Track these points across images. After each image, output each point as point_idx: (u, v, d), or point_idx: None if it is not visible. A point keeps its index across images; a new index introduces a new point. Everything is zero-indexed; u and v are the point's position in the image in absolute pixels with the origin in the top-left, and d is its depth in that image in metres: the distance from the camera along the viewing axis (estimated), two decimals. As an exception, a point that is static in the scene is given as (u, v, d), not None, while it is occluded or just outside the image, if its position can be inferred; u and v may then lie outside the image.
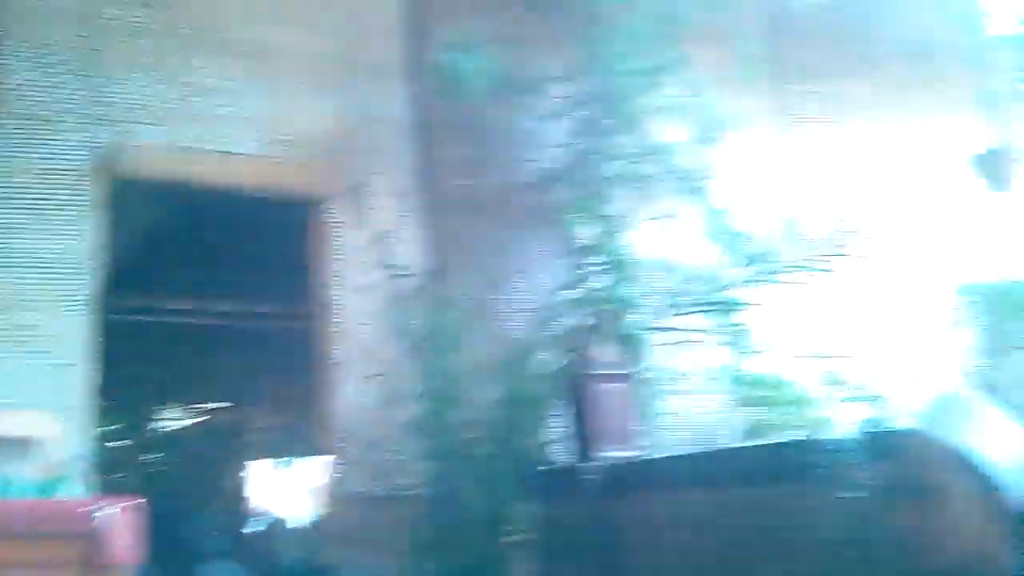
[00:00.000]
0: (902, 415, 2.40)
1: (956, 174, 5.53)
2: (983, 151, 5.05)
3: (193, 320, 9.38)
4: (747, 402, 5.10)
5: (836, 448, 3.05)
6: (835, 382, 5.50)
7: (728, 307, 4.96)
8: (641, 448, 4.47)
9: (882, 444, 2.38)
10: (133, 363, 9.34)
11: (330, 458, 5.09)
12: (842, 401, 5.36)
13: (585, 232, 4.98)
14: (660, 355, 5.10)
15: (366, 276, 5.32)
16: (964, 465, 1.98)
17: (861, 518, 2.33)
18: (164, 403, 11.56)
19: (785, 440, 4.49)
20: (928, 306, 4.53)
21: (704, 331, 5.11)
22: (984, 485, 1.98)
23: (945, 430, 2.03)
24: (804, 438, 3.94)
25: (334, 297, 5.32)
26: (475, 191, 5.45)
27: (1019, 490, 2.01)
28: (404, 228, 5.43)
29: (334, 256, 5.36)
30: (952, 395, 2.19)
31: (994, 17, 5.73)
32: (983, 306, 4.00)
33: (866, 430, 3.09)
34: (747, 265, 4.98)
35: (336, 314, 5.28)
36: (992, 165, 5.02)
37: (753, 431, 4.94)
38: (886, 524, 2.03)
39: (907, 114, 6.91)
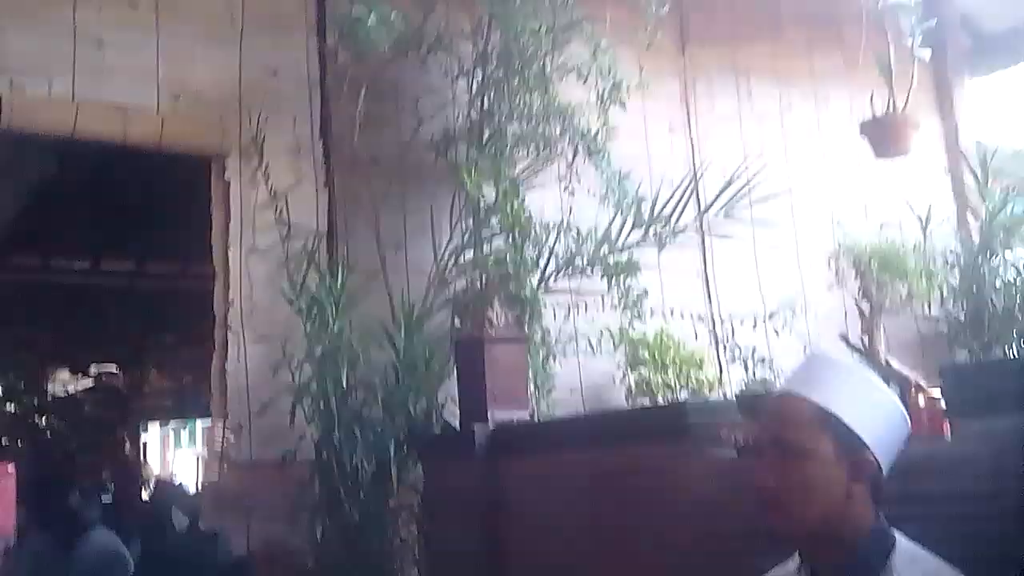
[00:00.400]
0: (782, 376, 2.42)
1: (850, 139, 5.65)
2: (872, 117, 5.14)
3: (84, 280, 9.16)
4: (639, 363, 5.17)
5: (715, 409, 3.12)
6: (723, 344, 5.65)
7: (623, 269, 4.99)
8: (533, 410, 4.49)
9: (754, 404, 2.41)
10: (19, 324, 9.12)
11: (221, 421, 5.02)
12: (730, 363, 5.52)
13: (484, 192, 4.94)
14: (554, 317, 5.14)
15: (263, 235, 5.21)
16: (830, 425, 2.00)
17: (733, 477, 2.36)
18: (52, 365, 11.29)
19: (667, 402, 4.59)
20: (812, 267, 4.64)
21: (598, 293, 5.15)
22: (849, 444, 2.00)
23: (814, 390, 2.04)
24: (686, 399, 4.06)
25: (230, 256, 5.19)
26: (375, 149, 5.37)
27: (883, 450, 2.03)
28: (302, 186, 5.33)
29: (230, 214, 5.22)
30: (823, 356, 2.21)
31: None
32: (863, 268, 4.09)
33: (743, 391, 3.18)
34: (643, 227, 5.02)
35: (231, 274, 5.16)
36: (880, 131, 5.12)
37: (644, 392, 5.01)
38: (753, 483, 2.05)
39: (808, 78, 7.03)
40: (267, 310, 5.07)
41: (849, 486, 1.99)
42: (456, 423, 4.39)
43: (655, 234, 5.08)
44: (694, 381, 5.13)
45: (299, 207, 5.27)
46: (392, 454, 4.32)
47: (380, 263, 5.17)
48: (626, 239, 5.06)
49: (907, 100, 5.16)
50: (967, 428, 2.28)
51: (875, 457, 2.00)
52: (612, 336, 5.33)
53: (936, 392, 2.54)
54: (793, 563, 2.12)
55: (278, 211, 5.19)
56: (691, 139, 6.47)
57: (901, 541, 2.02)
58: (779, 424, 2.06)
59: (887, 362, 3.58)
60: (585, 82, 5.33)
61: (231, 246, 5.18)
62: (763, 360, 5.25)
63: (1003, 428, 2.13)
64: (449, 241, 5.11)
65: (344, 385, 4.42)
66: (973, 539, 2.05)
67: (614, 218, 5.10)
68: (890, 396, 2.12)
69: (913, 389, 2.93)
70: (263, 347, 4.99)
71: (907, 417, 2.11)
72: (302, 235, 5.14)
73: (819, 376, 2.09)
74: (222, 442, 4.98)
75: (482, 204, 5.00)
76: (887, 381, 3.07)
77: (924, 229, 5.27)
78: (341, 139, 5.40)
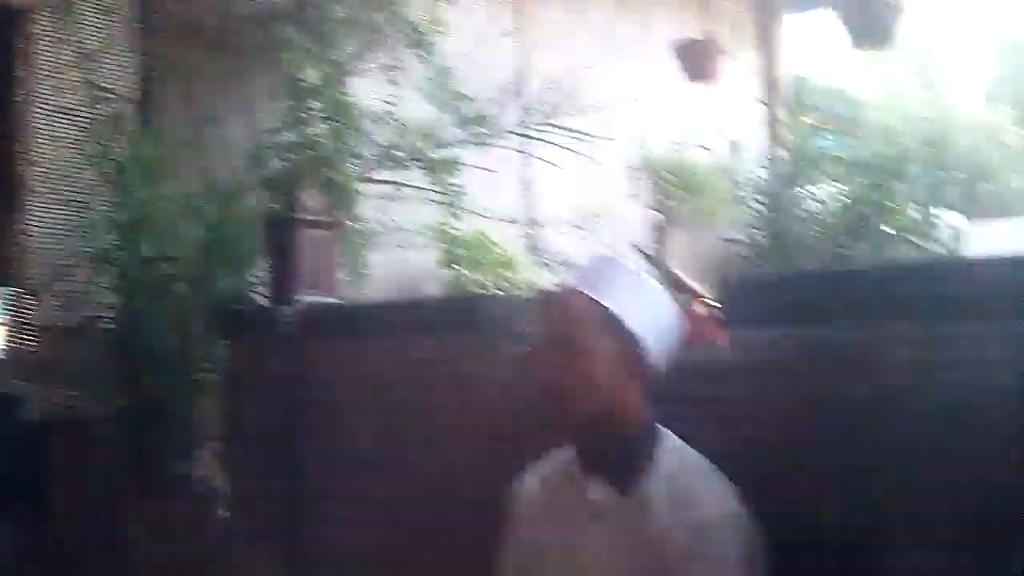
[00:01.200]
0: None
1: (665, 61, 5.82)
2: (685, 41, 5.33)
3: None
4: (453, 260, 5.26)
5: (512, 304, 3.26)
6: (535, 247, 5.82)
7: (443, 166, 5.04)
8: (342, 295, 4.53)
9: (545, 302, 2.53)
10: None
11: (19, 287, 4.85)
12: (536, 264, 5.70)
13: (306, 75, 4.85)
14: (370, 207, 5.15)
15: (71, 96, 4.98)
16: (610, 323, 2.13)
17: (523, 369, 2.48)
18: None
19: (466, 295, 4.74)
20: (621, 180, 4.82)
21: (417, 187, 5.19)
22: (626, 343, 2.13)
23: (597, 290, 2.17)
24: (484, 294, 4.22)
25: (35, 116, 4.95)
26: (194, 18, 5.17)
27: (658, 351, 2.17)
28: (114, 49, 5.10)
29: (35, 73, 4.96)
30: (609, 258, 2.33)
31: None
32: (661, 184, 4.29)
33: (538, 290, 3.33)
34: (464, 126, 5.06)
35: (33, 135, 4.93)
36: (691, 55, 5.32)
37: (455, 288, 5.12)
38: (537, 373, 2.17)
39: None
40: (72, 174, 4.88)
41: (624, 382, 2.13)
42: (264, 302, 4.39)
43: (477, 134, 5.14)
44: (506, 282, 5.26)
45: (110, 70, 5.05)
46: (195, 330, 4.29)
47: (194, 135, 5.05)
48: (447, 136, 5.10)
49: (718, 28, 5.35)
50: (741, 337, 2.45)
51: (650, 357, 2.15)
52: (429, 232, 5.39)
53: (716, 303, 2.71)
54: (568, 452, 2.27)
55: (88, 72, 4.96)
56: (520, 44, 6.49)
57: (669, 436, 2.18)
58: (562, 320, 2.18)
59: (674, 272, 3.78)
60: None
61: (36, 106, 4.94)
62: (570, 265, 5.43)
63: (775, 338, 2.31)
64: (268, 120, 5.00)
65: (148, 256, 4.34)
66: (738, 439, 2.24)
67: (437, 114, 5.12)
68: (669, 301, 2.27)
69: (696, 299, 3.12)
70: (66, 212, 4.82)
71: (684, 322, 2.27)
72: (113, 99, 4.95)
73: (603, 277, 2.20)
74: (21, 307, 4.82)
75: (304, 86, 4.91)
76: (672, 290, 3.26)
77: (731, 154, 5.53)
78: (158, 3, 5.18)
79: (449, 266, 5.34)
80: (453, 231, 5.34)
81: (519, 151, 5.70)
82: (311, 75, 4.82)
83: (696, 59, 5.28)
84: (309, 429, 3.79)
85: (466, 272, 5.24)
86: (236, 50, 5.30)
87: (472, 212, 5.33)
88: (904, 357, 2.07)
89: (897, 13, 5.99)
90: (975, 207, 5.96)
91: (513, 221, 5.90)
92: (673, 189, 4.23)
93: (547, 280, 5.61)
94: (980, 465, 1.92)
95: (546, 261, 5.70)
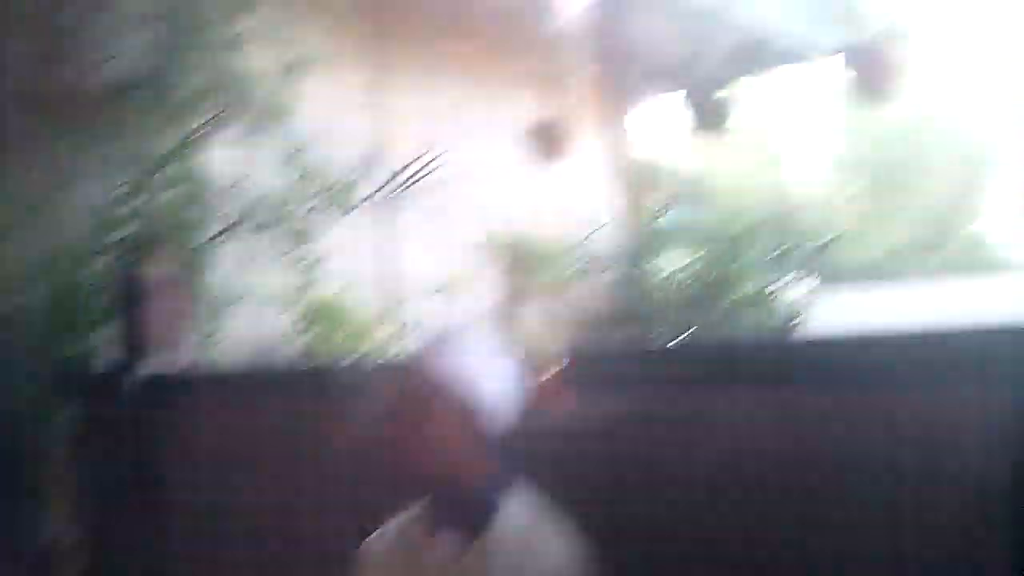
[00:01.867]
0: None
1: (518, 141, 6.01)
2: (536, 122, 5.57)
3: None
4: (310, 326, 5.27)
5: (369, 371, 3.33)
6: (388, 314, 5.89)
7: (298, 237, 5.08)
8: (193, 361, 4.50)
9: (402, 369, 2.62)
10: None
11: None
12: (398, 332, 5.78)
13: (156, 145, 4.83)
14: (224, 273, 5.13)
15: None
16: (461, 389, 2.23)
17: (381, 434, 2.55)
18: None
19: (310, 361, 4.78)
20: (472, 253, 4.95)
21: (272, 254, 5.20)
22: (475, 408, 2.23)
23: (449, 358, 2.27)
24: (330, 359, 4.25)
25: None
26: (41, 88, 5.08)
27: (504, 414, 2.29)
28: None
29: None
30: (461, 328, 2.44)
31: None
32: (512, 260, 4.44)
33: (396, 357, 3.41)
34: (321, 197, 5.12)
35: None
36: (541, 135, 5.54)
37: (312, 354, 5.12)
38: (386, 437, 2.26)
39: (499, 77, 7.32)
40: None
41: (469, 444, 2.25)
42: (111, 368, 4.32)
43: (332, 204, 5.20)
44: (363, 347, 5.30)
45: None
46: (40, 394, 4.20)
47: (43, 199, 4.97)
48: (302, 207, 5.15)
49: (568, 110, 5.59)
50: (583, 400, 2.60)
51: (495, 420, 2.27)
52: (286, 297, 5.39)
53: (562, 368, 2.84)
54: (417, 510, 2.36)
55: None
56: (376, 119, 6.58)
57: (514, 492, 2.30)
58: (410, 386, 2.29)
59: (523, 339, 3.91)
60: (265, 50, 5.29)
61: None
62: (425, 332, 5.48)
63: (613, 404, 2.46)
64: (120, 185, 4.94)
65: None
66: (583, 487, 2.38)
67: (292, 186, 5.16)
68: (515, 367, 2.40)
69: (544, 366, 3.23)
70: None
71: (529, 387, 2.40)
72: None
73: (452, 345, 2.33)
74: None
75: (152, 156, 4.88)
76: (523, 355, 3.38)
77: (581, 229, 5.75)
78: (3, 72, 5.08)
79: (306, 331, 5.35)
80: (310, 296, 5.36)
81: (379, 220, 5.78)
82: (164, 143, 4.80)
83: (546, 139, 5.50)
84: (155, 494, 3.74)
85: (323, 337, 5.25)
86: (91, 116, 5.21)
87: (331, 277, 5.37)
88: (723, 423, 2.25)
89: (731, 104, 6.39)
90: (824, 275, 6.30)
91: (370, 288, 5.96)
92: (520, 264, 4.38)
93: (402, 346, 5.67)
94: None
95: (402, 328, 5.76)
